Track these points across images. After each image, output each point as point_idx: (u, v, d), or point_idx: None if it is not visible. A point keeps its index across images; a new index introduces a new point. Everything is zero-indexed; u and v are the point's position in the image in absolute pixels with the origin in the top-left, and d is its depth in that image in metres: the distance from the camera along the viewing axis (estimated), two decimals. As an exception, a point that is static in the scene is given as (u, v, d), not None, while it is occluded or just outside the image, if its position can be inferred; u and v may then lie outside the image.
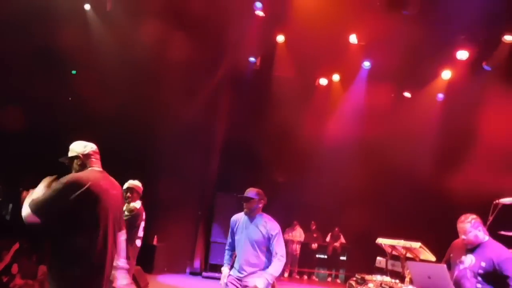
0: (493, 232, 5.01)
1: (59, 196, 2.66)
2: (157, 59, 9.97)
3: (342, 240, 11.88)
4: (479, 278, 3.76)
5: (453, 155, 9.29)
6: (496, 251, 3.83)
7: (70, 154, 3.04)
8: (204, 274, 10.40)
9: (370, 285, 4.63)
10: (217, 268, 10.18)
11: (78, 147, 3.04)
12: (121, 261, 3.05)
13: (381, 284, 4.49)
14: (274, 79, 10.80)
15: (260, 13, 8.81)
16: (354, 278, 5.08)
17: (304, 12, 7.98)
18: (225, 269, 4.49)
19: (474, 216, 3.96)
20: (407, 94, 10.56)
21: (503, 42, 7.71)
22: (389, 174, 10.52)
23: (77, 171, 2.94)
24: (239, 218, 4.56)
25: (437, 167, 9.73)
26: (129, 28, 9.53)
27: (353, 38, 8.79)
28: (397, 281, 4.83)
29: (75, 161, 2.98)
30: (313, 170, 11.36)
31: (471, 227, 3.88)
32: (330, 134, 10.78)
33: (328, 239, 11.96)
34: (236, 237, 4.46)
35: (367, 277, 4.93)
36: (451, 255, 4.08)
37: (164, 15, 8.98)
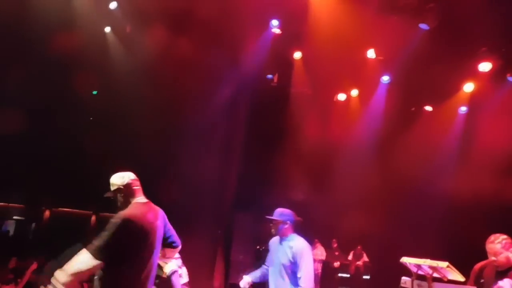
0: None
1: (116, 239, 2.82)
2: (176, 79, 10.10)
3: (365, 258, 11.57)
4: None
5: (476, 169, 8.99)
6: (533, 273, 3.62)
7: (112, 188, 3.16)
8: (225, 292, 10.25)
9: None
10: (237, 288, 10.08)
11: (117, 180, 3.16)
12: None
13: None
14: (292, 95, 10.78)
15: (277, 30, 8.84)
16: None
17: (320, 28, 7.95)
18: (247, 277, 4.36)
19: (504, 236, 3.79)
20: (428, 108, 10.37)
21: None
22: (412, 191, 10.26)
23: (122, 203, 3.09)
24: (276, 239, 4.40)
25: (461, 181, 9.43)
26: (147, 47, 9.71)
27: (371, 53, 8.71)
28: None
29: (118, 194, 3.12)
30: (333, 187, 11.17)
31: (502, 248, 3.71)
32: (349, 150, 10.62)
33: (350, 257, 11.68)
34: (270, 259, 4.32)
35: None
36: (482, 280, 3.88)
37: (181, 32, 9.11)
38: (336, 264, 11.59)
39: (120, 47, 10.47)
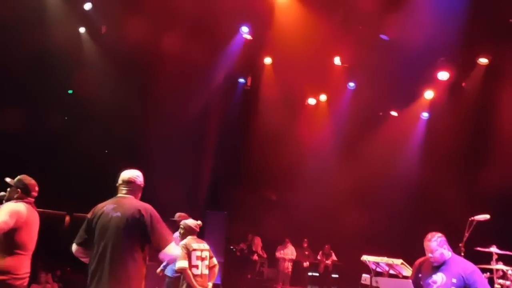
0: (469, 248, 5.21)
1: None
2: (150, 80, 10.27)
3: (334, 257, 11.91)
4: None
5: (438, 172, 9.49)
6: (462, 266, 4.00)
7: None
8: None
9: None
10: (207, 286, 10.28)
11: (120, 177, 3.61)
12: None
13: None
14: (264, 99, 11.07)
15: (247, 36, 9.14)
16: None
17: (288, 36, 8.29)
18: None
19: (439, 234, 4.13)
20: (393, 113, 10.84)
21: (479, 64, 8.05)
22: (378, 192, 10.67)
23: None
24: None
25: (424, 182, 9.91)
26: (122, 49, 9.86)
27: (337, 60, 9.10)
28: (374, 296, 4.96)
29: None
30: (304, 187, 11.50)
31: (437, 245, 4.05)
32: (319, 152, 10.99)
33: (319, 256, 12.01)
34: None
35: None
36: (420, 275, 4.22)
37: (155, 35, 9.28)
38: (306, 263, 11.90)
39: (95, 47, 10.57)
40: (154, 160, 10.61)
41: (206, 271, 4.87)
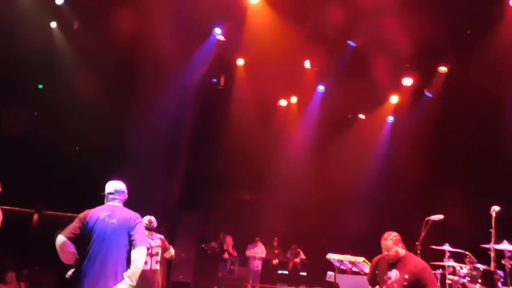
0: (425, 246, 5.54)
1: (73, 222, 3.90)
2: (123, 77, 10.24)
3: (302, 256, 12.18)
4: None
5: (403, 173, 9.90)
6: (414, 263, 4.30)
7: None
8: (164, 291, 10.49)
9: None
10: (178, 286, 10.35)
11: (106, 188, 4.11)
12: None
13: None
14: (237, 100, 11.21)
15: (220, 37, 9.27)
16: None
17: (261, 38, 8.48)
18: None
19: (395, 233, 4.42)
20: (361, 116, 11.21)
21: (439, 72, 8.51)
22: (346, 193, 10.97)
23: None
24: None
25: (389, 183, 10.31)
26: (95, 45, 9.81)
27: (307, 64, 9.37)
28: (335, 293, 5.22)
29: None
30: (275, 188, 11.71)
31: (392, 244, 4.33)
32: (289, 153, 11.24)
33: (288, 255, 12.27)
34: None
35: (309, 290, 5.29)
36: (376, 271, 4.49)
37: (128, 32, 9.27)
38: (275, 261, 12.14)
39: (67, 42, 10.46)
40: (127, 160, 10.58)
41: (156, 266, 5.25)
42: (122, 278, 3.70)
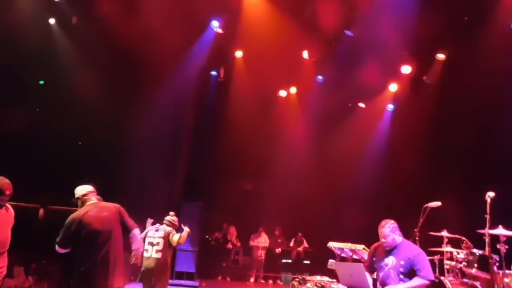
0: (423, 233, 5.63)
1: (65, 232, 4.18)
2: (123, 71, 10.30)
3: (305, 244, 12.31)
4: (401, 276, 4.30)
5: (403, 161, 9.94)
6: (409, 249, 4.39)
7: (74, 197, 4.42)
8: (170, 281, 10.64)
9: (308, 284, 5.10)
10: (182, 276, 10.50)
11: (77, 192, 4.40)
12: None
13: (316, 283, 4.96)
14: (237, 91, 11.26)
15: (218, 30, 9.29)
16: (297, 279, 5.54)
17: (258, 29, 8.50)
18: None
19: (392, 221, 4.50)
20: (361, 105, 11.23)
21: (437, 60, 8.49)
22: (348, 181, 11.04)
23: (79, 206, 4.36)
24: None
25: (390, 171, 10.36)
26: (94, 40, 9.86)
27: (305, 54, 9.38)
28: (334, 280, 5.33)
29: (77, 201, 4.40)
30: (277, 177, 11.81)
31: (390, 231, 4.42)
32: (290, 143, 11.31)
33: (292, 244, 12.41)
34: None
35: (308, 277, 5.41)
36: (374, 258, 4.59)
37: (128, 28, 9.31)
38: (278, 250, 12.28)
39: (66, 37, 10.52)
40: (130, 153, 10.69)
41: (156, 255, 5.74)
42: (120, 261, 4.23)
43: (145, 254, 5.72)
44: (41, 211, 14.79)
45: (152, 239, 5.81)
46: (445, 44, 8.33)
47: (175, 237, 5.80)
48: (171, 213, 6.15)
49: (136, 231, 4.41)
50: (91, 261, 4.09)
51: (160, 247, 5.75)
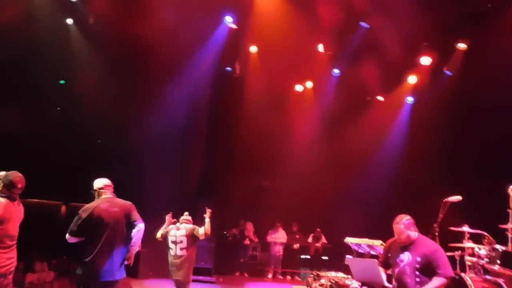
0: (443, 228, 5.46)
1: (77, 221, 4.36)
2: (138, 69, 10.38)
3: (324, 240, 12.20)
4: (417, 272, 4.18)
5: (423, 156, 9.70)
6: (426, 245, 4.25)
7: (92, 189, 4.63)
8: (187, 277, 10.71)
9: (322, 280, 5.03)
10: (200, 272, 10.55)
11: (94, 184, 4.60)
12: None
13: (330, 279, 4.88)
14: (252, 87, 11.20)
15: (232, 25, 9.24)
16: (311, 275, 5.48)
17: (272, 24, 8.40)
18: None
19: (408, 217, 4.37)
20: (380, 98, 11.00)
21: (458, 49, 8.19)
22: (369, 175, 10.87)
23: (95, 198, 4.57)
24: None
25: (409, 166, 10.13)
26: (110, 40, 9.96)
27: (321, 48, 9.22)
28: (349, 276, 5.24)
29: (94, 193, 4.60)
30: (293, 173, 11.71)
31: (404, 228, 4.29)
32: (306, 138, 11.18)
33: (310, 240, 12.31)
34: None
35: (322, 273, 5.33)
36: (389, 254, 4.47)
37: (143, 26, 9.36)
38: (296, 246, 12.20)
39: (83, 38, 10.66)
40: (146, 150, 10.79)
41: (181, 252, 5.93)
42: (126, 253, 4.42)
43: (170, 252, 6.01)
44: (63, 208, 15.16)
45: (174, 238, 6.05)
46: (466, 33, 8.02)
47: (201, 231, 6.00)
48: (186, 213, 6.35)
49: (140, 225, 4.48)
50: (96, 252, 4.25)
51: (184, 244, 5.97)
